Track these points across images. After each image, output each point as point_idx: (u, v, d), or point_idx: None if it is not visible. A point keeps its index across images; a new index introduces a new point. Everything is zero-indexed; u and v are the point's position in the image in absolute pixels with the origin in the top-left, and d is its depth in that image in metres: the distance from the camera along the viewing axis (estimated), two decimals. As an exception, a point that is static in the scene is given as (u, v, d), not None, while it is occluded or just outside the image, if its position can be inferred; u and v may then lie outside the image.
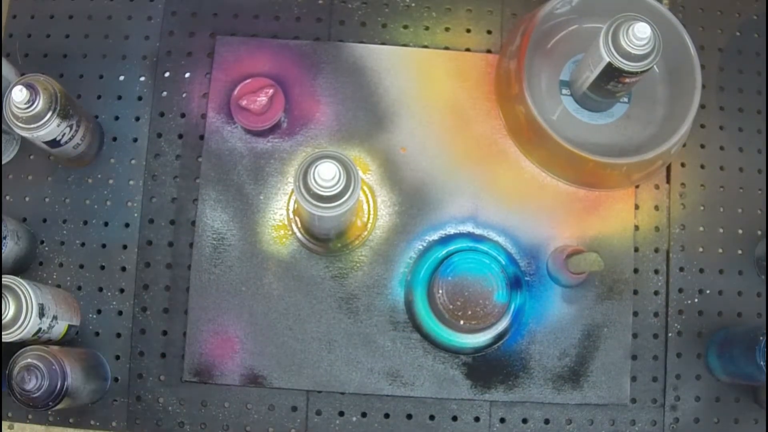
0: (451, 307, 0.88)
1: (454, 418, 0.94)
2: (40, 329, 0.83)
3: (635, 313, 0.96)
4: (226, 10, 1.01)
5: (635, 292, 0.97)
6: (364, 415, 0.94)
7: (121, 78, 1.00)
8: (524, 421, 0.94)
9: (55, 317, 0.86)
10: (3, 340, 0.80)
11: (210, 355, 0.94)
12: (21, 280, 0.81)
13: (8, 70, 0.93)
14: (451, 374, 0.94)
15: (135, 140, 0.98)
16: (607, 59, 0.84)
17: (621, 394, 0.94)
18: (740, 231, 0.99)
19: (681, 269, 0.98)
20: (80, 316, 0.93)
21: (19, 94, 0.82)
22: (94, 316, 0.95)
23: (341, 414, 0.94)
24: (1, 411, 0.93)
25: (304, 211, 0.81)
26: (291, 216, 0.96)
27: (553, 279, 0.95)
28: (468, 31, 1.02)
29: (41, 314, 0.82)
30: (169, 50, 1.00)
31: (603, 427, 0.94)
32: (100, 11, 1.01)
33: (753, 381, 0.88)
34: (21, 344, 0.82)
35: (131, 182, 0.98)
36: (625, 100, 0.97)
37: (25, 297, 0.80)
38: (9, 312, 0.79)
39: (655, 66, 0.91)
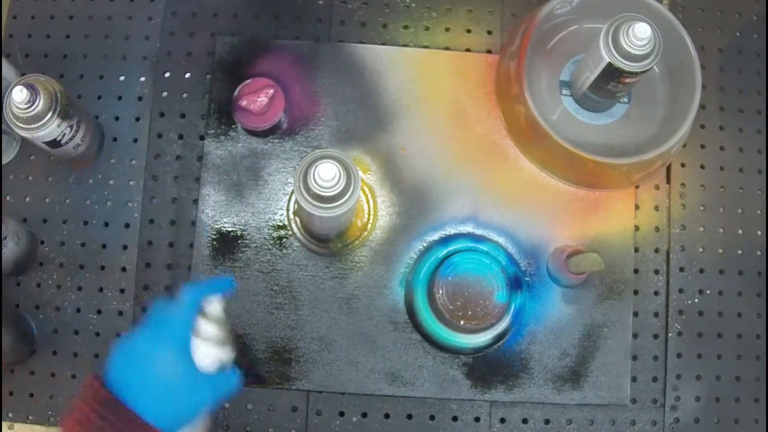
0: (451, 307, 0.88)
1: (455, 419, 0.94)
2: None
3: (635, 314, 0.96)
4: (226, 10, 1.01)
5: (635, 293, 0.97)
6: (364, 415, 0.94)
7: (122, 78, 1.00)
8: (524, 421, 0.94)
9: None
10: None
11: (210, 355, 0.94)
12: None
13: (9, 71, 0.93)
14: (451, 374, 0.94)
15: (135, 140, 0.98)
16: (608, 59, 0.84)
17: (621, 394, 0.94)
18: (740, 231, 0.99)
19: (681, 269, 0.98)
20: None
21: (19, 95, 0.82)
22: (95, 317, 0.95)
23: (341, 414, 0.94)
24: (1, 411, 0.93)
25: (304, 212, 0.81)
26: (291, 216, 0.96)
27: (553, 279, 0.95)
28: (468, 31, 1.02)
29: None
30: (169, 50, 1.00)
31: (603, 427, 0.94)
32: (100, 12, 1.01)
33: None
34: None
35: (131, 183, 0.98)
36: (625, 100, 0.97)
37: None
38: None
39: (655, 66, 0.91)
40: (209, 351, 0.72)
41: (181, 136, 0.99)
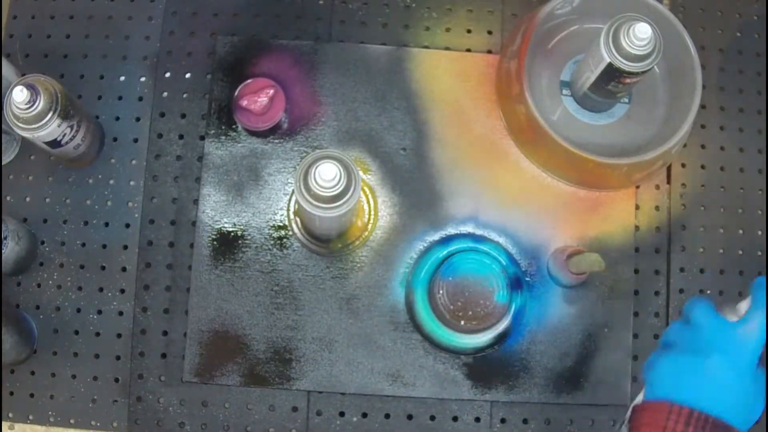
0: (451, 307, 0.88)
1: (455, 419, 0.94)
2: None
3: (636, 314, 0.96)
4: (226, 10, 1.01)
5: (636, 293, 0.97)
6: (364, 415, 0.94)
7: (122, 78, 1.00)
8: (525, 421, 0.94)
9: None
10: None
11: (210, 355, 0.94)
12: None
13: (9, 71, 0.93)
14: (451, 375, 0.94)
15: (135, 141, 0.98)
16: (608, 59, 0.84)
17: (621, 394, 0.94)
18: (741, 231, 0.99)
19: (681, 270, 0.98)
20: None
21: (19, 95, 0.82)
22: (95, 317, 0.95)
23: (342, 414, 0.94)
24: (1, 411, 0.93)
25: (304, 212, 0.81)
26: (291, 216, 0.96)
27: (553, 279, 0.95)
28: (468, 31, 1.02)
29: None
30: (169, 50, 1.00)
31: (604, 427, 0.94)
32: (100, 11, 1.01)
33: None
34: None
35: (132, 183, 0.98)
36: (626, 100, 0.97)
37: None
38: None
39: (655, 66, 0.91)
40: None
41: (181, 136, 0.99)
